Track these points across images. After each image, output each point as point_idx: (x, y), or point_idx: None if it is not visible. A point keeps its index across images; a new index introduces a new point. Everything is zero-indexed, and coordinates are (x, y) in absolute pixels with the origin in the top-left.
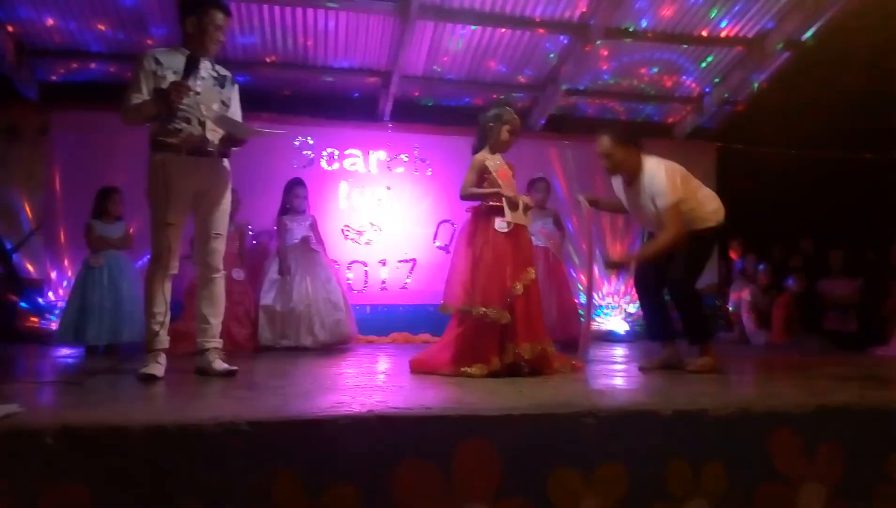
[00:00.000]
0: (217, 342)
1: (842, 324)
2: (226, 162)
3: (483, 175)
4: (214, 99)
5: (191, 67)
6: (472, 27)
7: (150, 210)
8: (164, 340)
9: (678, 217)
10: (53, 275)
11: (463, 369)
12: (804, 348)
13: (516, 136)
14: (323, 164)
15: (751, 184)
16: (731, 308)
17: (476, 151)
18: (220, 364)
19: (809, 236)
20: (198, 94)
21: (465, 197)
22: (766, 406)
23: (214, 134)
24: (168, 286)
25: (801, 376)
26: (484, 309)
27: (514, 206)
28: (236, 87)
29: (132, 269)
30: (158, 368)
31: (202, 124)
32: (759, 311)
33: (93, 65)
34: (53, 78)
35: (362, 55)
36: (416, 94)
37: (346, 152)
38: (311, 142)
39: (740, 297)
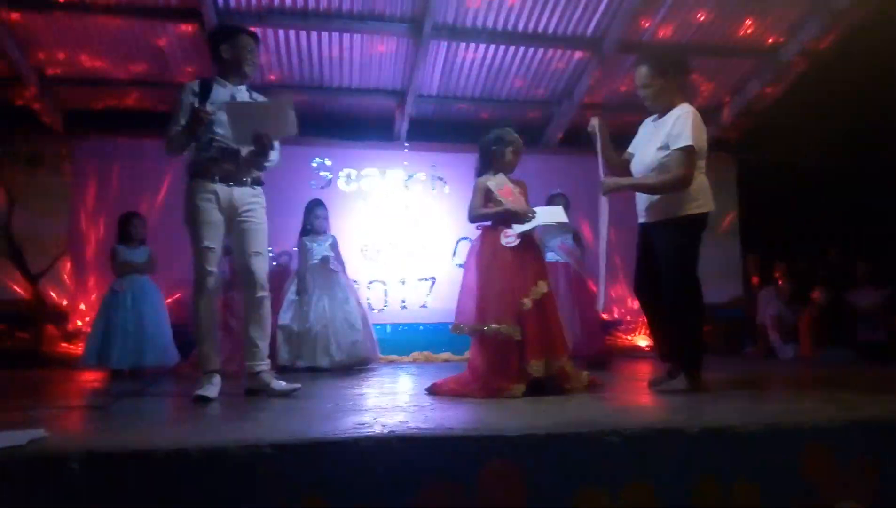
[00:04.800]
0: (267, 364)
1: (871, 335)
2: (259, 188)
3: (487, 196)
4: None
5: (205, 93)
6: (486, 45)
7: (189, 235)
8: (215, 360)
9: (690, 165)
10: (79, 300)
11: (504, 391)
12: (833, 360)
13: (519, 155)
14: (341, 184)
15: (771, 196)
16: (758, 321)
17: (479, 174)
18: (278, 384)
19: (834, 246)
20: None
21: (473, 219)
22: (796, 422)
23: (249, 163)
24: (214, 308)
25: (831, 389)
26: (496, 325)
27: (523, 220)
28: None
29: (156, 293)
30: (212, 389)
31: (237, 153)
32: (784, 324)
33: (114, 93)
34: (76, 107)
35: (377, 76)
36: (432, 112)
37: (364, 172)
38: (328, 163)
39: (766, 310)
